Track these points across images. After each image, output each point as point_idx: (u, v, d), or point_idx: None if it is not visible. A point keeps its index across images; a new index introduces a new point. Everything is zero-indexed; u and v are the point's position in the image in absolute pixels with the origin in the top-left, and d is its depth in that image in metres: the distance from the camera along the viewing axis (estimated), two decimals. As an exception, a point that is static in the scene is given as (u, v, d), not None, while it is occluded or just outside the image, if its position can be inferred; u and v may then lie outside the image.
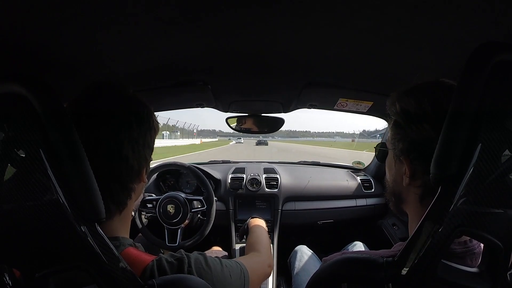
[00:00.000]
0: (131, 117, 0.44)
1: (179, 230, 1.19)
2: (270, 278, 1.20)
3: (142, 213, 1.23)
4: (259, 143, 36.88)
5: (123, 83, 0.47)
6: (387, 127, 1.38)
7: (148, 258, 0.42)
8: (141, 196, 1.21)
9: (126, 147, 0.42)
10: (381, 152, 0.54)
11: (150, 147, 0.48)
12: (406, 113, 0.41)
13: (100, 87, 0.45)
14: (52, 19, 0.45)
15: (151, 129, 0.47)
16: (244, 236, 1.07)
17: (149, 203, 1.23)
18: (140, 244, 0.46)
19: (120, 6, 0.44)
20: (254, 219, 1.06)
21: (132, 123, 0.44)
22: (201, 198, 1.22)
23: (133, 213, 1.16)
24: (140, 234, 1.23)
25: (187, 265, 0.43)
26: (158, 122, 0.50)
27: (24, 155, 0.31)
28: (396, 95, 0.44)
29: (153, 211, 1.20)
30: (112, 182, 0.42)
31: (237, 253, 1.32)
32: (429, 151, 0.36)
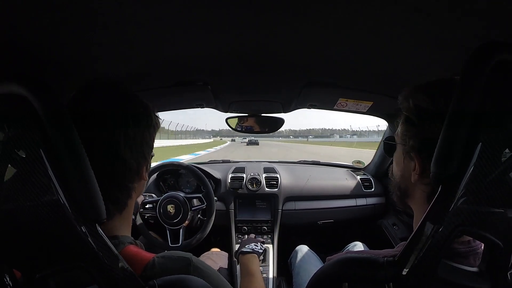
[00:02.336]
0: (126, 115, 0.43)
1: (181, 229, 1.18)
2: (270, 278, 1.20)
3: (143, 214, 1.23)
4: (250, 143, 37.48)
5: (123, 83, 0.47)
6: (387, 128, 1.38)
7: (148, 255, 0.42)
8: (141, 198, 1.21)
9: (122, 147, 0.42)
10: (388, 145, 0.52)
11: (149, 145, 0.47)
12: (419, 109, 0.40)
13: (92, 86, 0.44)
14: (52, 19, 0.45)
15: (150, 127, 0.46)
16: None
17: (149, 204, 1.23)
18: (140, 242, 0.46)
19: (121, 6, 0.44)
20: (246, 256, 0.88)
21: (128, 121, 0.43)
22: (200, 195, 1.22)
23: (133, 216, 1.15)
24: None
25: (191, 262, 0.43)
26: (158, 119, 0.49)
27: (24, 156, 0.31)
28: (409, 91, 0.42)
29: (153, 212, 1.19)
30: (110, 183, 0.41)
31: None
32: None
